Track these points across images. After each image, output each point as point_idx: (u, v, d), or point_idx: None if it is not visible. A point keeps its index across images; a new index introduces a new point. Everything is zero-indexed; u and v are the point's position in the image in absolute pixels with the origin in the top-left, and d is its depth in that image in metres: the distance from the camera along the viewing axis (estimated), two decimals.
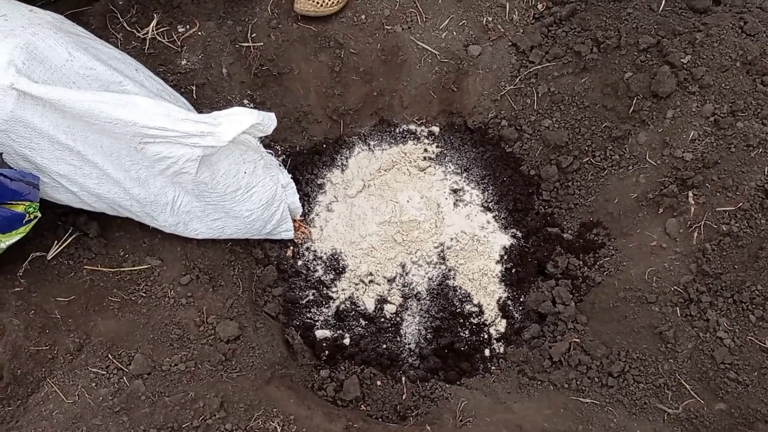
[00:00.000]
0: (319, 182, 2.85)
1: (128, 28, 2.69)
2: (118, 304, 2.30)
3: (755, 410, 2.05)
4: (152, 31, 2.67)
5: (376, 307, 2.58)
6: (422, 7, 2.87)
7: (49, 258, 2.28)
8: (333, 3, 2.74)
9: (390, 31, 2.86)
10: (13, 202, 1.96)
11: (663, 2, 2.65)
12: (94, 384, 2.06)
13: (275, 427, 2.14)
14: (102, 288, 2.32)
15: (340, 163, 2.89)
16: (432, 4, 2.88)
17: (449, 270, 2.65)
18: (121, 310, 2.29)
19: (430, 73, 2.89)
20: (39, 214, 2.10)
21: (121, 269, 2.39)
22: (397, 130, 2.96)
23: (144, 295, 2.37)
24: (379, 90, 2.93)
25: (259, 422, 2.14)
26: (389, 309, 2.57)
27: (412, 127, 2.96)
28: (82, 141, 2.01)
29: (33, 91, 1.83)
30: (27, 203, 2.01)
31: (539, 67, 2.80)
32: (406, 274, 2.63)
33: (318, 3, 2.71)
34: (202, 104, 2.71)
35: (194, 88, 2.70)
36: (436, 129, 2.96)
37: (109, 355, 2.14)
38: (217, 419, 2.09)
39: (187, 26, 2.73)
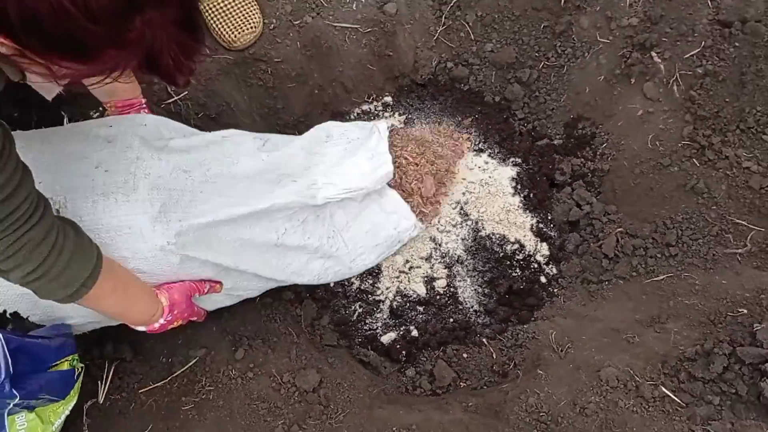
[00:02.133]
0: None
1: None
2: (194, 409, 2.12)
3: None
4: None
5: (427, 289, 2.51)
6: None
7: (101, 401, 2.05)
8: (255, 24, 2.60)
9: (302, 25, 2.72)
10: (58, 362, 1.74)
11: None
12: None
13: None
14: (170, 402, 2.12)
15: None
16: None
17: (476, 223, 2.62)
18: (200, 413, 2.11)
19: (359, 48, 2.79)
20: (83, 365, 1.88)
21: (174, 374, 2.19)
22: (353, 117, 2.85)
23: (211, 387, 2.19)
24: (318, 86, 2.80)
25: None
26: (440, 284, 2.52)
27: (366, 107, 2.86)
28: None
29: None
30: (70, 357, 1.79)
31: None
32: (440, 245, 2.58)
33: (250, 28, 2.57)
34: None
35: None
36: (389, 99, 2.87)
37: None
38: None
39: None
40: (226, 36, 2.57)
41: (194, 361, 2.24)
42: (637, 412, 1.97)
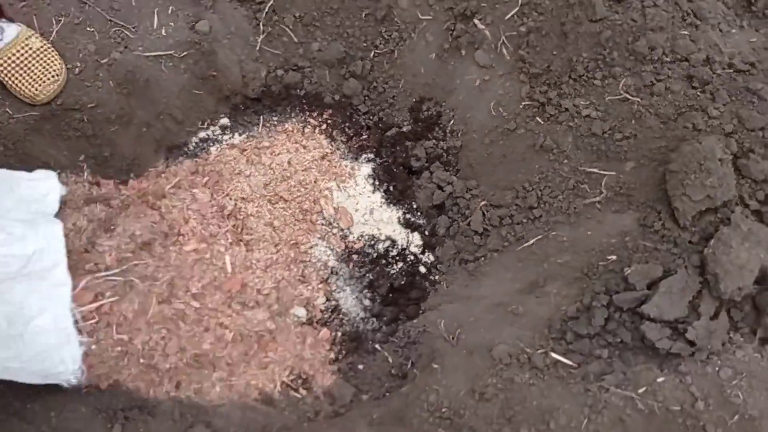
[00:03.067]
0: None
1: None
2: None
3: (658, 148, 2.20)
4: None
5: (308, 310, 2.39)
6: (125, 18, 2.52)
7: None
8: (57, 72, 2.36)
9: (111, 62, 2.50)
10: None
11: None
12: None
13: None
14: None
15: None
16: (138, 12, 2.54)
17: (341, 229, 2.52)
18: None
19: (179, 74, 2.60)
20: None
21: None
22: (191, 147, 2.66)
23: None
24: (145, 124, 2.59)
25: None
26: (320, 302, 2.41)
27: (203, 134, 2.68)
28: None
29: None
30: None
31: (262, 5, 2.65)
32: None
33: (52, 78, 2.33)
34: None
35: None
36: (225, 120, 2.71)
37: None
38: None
39: None
40: (27, 91, 2.32)
41: None
42: (534, 384, 1.94)
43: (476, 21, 2.51)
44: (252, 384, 2.22)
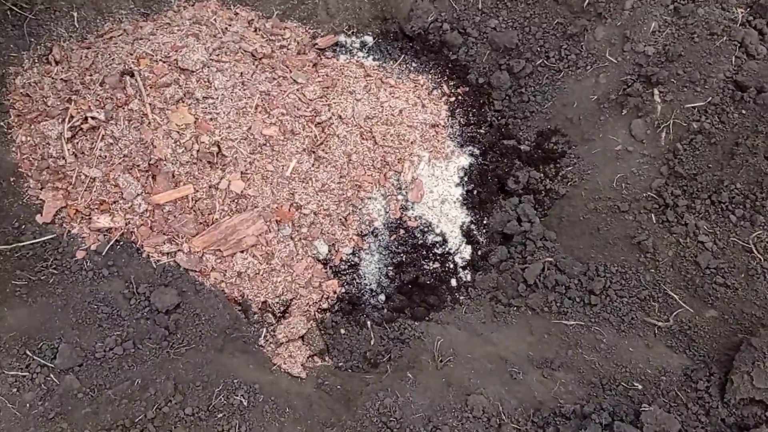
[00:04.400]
0: None
1: None
2: (25, 287, 1.89)
3: (750, 314, 1.98)
4: None
5: (329, 250, 2.28)
6: None
7: None
8: None
9: None
10: None
11: None
12: (15, 389, 1.69)
13: (240, 401, 1.86)
14: (1, 272, 1.88)
15: None
16: None
17: (406, 198, 2.39)
18: (30, 294, 1.88)
19: None
20: None
21: (20, 244, 1.95)
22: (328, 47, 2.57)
23: (55, 271, 1.96)
24: None
25: (221, 399, 1.85)
26: (345, 251, 2.30)
27: (342, 38, 2.58)
28: None
29: None
30: None
31: None
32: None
33: None
34: None
35: None
36: (369, 39, 2.60)
37: (27, 351, 1.75)
38: (174, 405, 1.79)
39: None
40: None
41: (50, 237, 2.01)
42: None
43: (656, 91, 2.29)
44: (244, 288, 2.16)
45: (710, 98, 2.22)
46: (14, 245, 1.94)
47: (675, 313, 2.05)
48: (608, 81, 2.38)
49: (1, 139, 2.14)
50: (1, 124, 2.15)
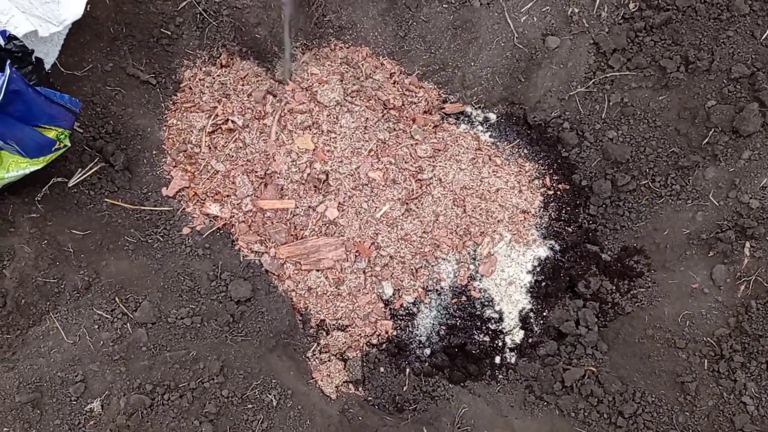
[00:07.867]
0: None
1: None
2: (133, 245, 2.22)
3: None
4: None
5: (393, 293, 2.48)
6: None
7: (70, 185, 2.18)
8: None
9: (467, 3, 2.65)
10: (47, 127, 1.85)
11: None
12: (96, 327, 2.00)
13: (271, 400, 2.09)
14: (119, 225, 2.24)
15: None
16: None
17: (477, 270, 2.54)
18: (135, 252, 2.22)
19: (501, 57, 2.70)
20: (69, 144, 2.00)
21: (142, 207, 2.30)
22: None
23: (161, 239, 2.29)
24: (441, 63, 2.74)
25: (255, 392, 2.08)
26: (407, 298, 2.48)
27: (468, 109, 2.79)
28: None
29: None
30: (60, 130, 1.91)
31: (617, 73, 2.60)
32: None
33: None
34: None
35: None
36: (492, 116, 2.78)
37: (116, 299, 2.07)
38: (215, 383, 2.04)
39: None
40: None
41: (167, 209, 2.35)
42: None
43: (748, 244, 2.31)
44: (309, 303, 2.40)
45: None
46: (138, 207, 2.29)
47: None
48: (704, 220, 2.41)
49: (159, 117, 2.52)
50: (165, 104, 2.53)
